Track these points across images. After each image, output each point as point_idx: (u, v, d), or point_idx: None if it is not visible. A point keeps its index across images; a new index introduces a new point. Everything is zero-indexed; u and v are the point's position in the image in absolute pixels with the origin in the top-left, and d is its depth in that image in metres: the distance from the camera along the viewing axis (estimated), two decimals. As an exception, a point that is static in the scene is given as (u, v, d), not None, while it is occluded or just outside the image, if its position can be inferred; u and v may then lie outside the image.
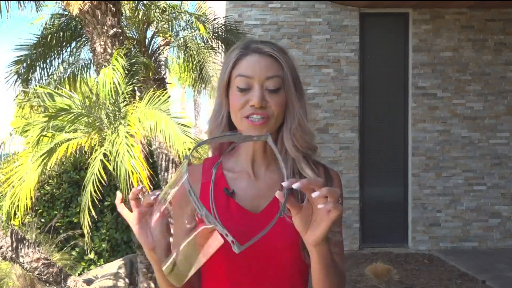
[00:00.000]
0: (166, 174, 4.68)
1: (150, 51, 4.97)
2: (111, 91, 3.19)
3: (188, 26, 5.17)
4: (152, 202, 0.90)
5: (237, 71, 1.06)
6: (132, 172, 3.02)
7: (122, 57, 3.42)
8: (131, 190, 3.42)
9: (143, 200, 0.91)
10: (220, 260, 1.02)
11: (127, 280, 5.01)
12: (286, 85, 1.06)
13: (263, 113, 1.03)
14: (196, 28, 4.91)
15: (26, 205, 3.19)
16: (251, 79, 1.04)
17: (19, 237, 3.61)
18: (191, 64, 5.36)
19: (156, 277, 1.01)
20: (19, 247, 3.56)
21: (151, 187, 3.75)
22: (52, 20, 4.54)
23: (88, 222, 3.26)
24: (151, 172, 3.85)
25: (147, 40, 5.01)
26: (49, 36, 4.40)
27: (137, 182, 3.15)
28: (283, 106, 1.06)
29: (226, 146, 1.15)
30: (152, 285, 4.42)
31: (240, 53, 1.07)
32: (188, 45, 5.29)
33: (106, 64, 3.64)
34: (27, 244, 3.64)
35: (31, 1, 3.88)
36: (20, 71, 4.36)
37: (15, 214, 3.33)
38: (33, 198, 3.30)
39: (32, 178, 3.27)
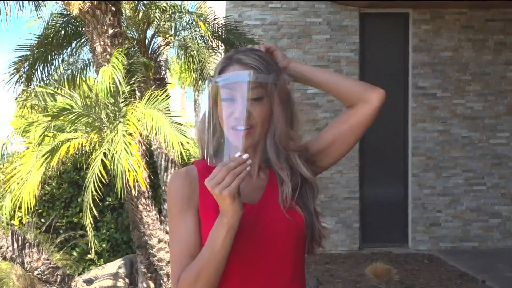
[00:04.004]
0: (165, 174, 4.67)
1: (150, 51, 4.97)
2: (109, 90, 3.18)
3: (188, 26, 5.17)
4: None
5: None
6: (128, 170, 3.03)
7: (122, 56, 3.41)
8: (127, 188, 3.43)
9: None
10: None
11: (127, 280, 5.02)
12: (268, 93, 1.09)
13: (247, 123, 1.06)
14: (197, 27, 4.90)
15: (30, 203, 3.20)
16: (233, 91, 1.07)
17: (20, 237, 3.61)
18: (191, 64, 5.35)
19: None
20: (20, 248, 3.56)
21: (147, 186, 3.76)
22: (52, 19, 4.54)
23: (90, 222, 3.26)
24: (148, 172, 3.85)
25: (147, 40, 5.01)
26: (51, 35, 4.40)
27: (134, 180, 3.16)
28: (267, 114, 1.10)
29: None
30: (152, 285, 4.43)
31: (224, 64, 1.12)
32: (188, 45, 5.28)
33: (106, 64, 3.63)
34: (27, 244, 3.64)
35: (30, 1, 3.87)
36: (21, 71, 4.36)
37: (15, 213, 3.34)
38: (37, 197, 3.31)
39: (35, 178, 3.28)
